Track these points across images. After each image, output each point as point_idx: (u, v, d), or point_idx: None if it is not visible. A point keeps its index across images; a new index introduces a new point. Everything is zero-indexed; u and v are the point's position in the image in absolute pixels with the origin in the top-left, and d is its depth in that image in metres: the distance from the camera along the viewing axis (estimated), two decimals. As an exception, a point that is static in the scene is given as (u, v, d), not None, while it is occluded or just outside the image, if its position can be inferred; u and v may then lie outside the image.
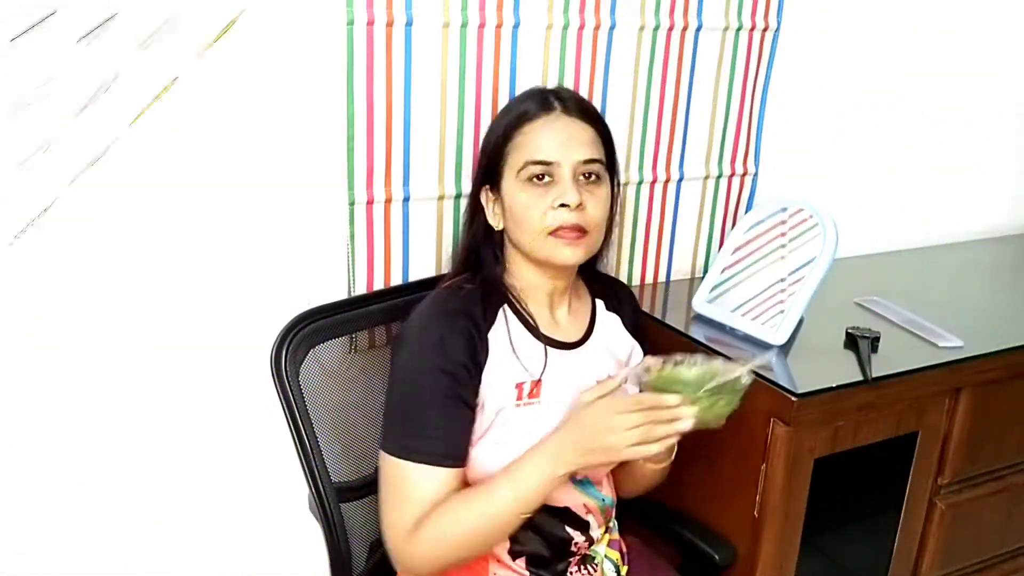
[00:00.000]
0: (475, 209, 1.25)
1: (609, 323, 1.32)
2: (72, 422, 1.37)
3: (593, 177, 1.18)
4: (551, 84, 1.37)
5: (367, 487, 1.34)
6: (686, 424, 1.06)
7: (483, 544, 1.15)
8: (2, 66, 1.18)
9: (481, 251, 1.24)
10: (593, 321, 1.30)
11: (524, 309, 1.23)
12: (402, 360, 1.18)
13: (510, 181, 1.18)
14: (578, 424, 1.10)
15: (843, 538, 1.61)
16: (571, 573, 1.26)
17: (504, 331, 1.20)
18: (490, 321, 1.20)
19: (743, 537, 1.38)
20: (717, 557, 1.35)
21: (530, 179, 1.16)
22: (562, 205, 1.14)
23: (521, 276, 1.24)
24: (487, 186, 1.22)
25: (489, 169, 1.21)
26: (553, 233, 1.16)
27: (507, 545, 1.21)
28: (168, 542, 1.49)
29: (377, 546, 1.38)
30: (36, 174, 1.24)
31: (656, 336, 1.45)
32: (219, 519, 1.52)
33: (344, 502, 1.27)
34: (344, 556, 1.25)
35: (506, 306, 1.22)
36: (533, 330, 1.22)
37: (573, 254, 1.18)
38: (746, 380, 1.10)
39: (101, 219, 1.29)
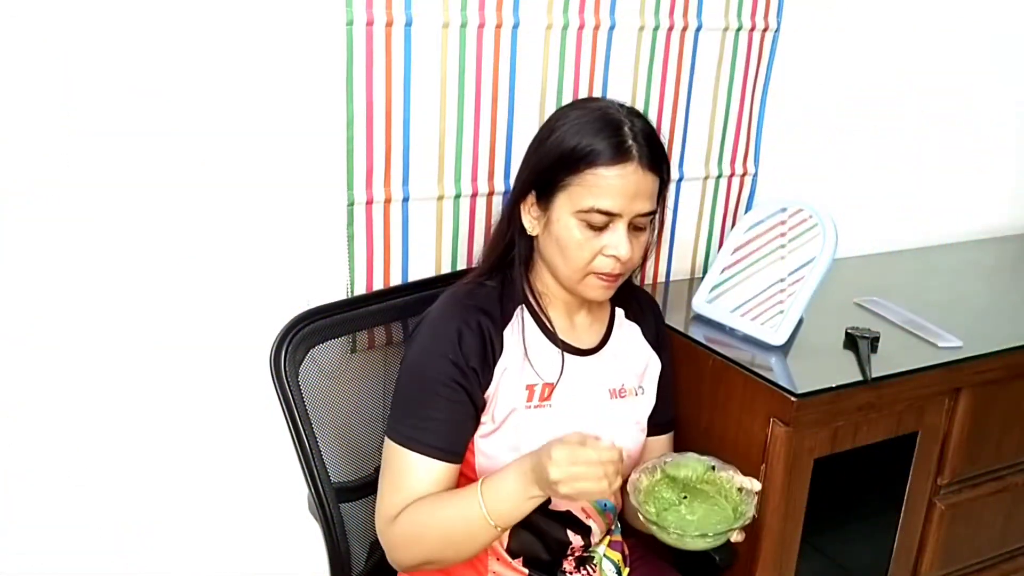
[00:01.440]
0: (515, 210, 1.22)
1: (627, 331, 1.32)
2: (72, 422, 1.37)
3: (643, 224, 1.18)
4: (618, 99, 1.25)
5: (366, 487, 1.34)
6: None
7: (455, 548, 1.12)
8: (3, 65, 1.18)
9: (513, 251, 1.23)
10: (610, 328, 1.30)
11: (543, 312, 1.23)
12: (414, 349, 1.19)
13: (565, 209, 1.15)
14: (543, 457, 1.05)
15: (843, 538, 1.61)
16: (568, 573, 1.26)
17: (519, 332, 1.20)
18: (506, 320, 1.20)
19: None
20: (717, 558, 1.35)
21: (592, 224, 1.14)
22: (613, 256, 1.15)
23: (544, 282, 1.24)
24: (533, 192, 1.19)
25: (542, 181, 1.17)
26: (593, 273, 1.17)
27: (505, 542, 1.22)
28: (168, 542, 1.49)
29: (377, 546, 1.38)
30: (36, 173, 1.24)
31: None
32: (219, 519, 1.52)
33: (344, 502, 1.27)
34: (343, 556, 1.25)
35: (524, 307, 1.22)
36: (550, 334, 1.23)
37: (605, 294, 1.20)
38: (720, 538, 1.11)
39: (101, 219, 1.29)
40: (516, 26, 1.45)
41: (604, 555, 1.29)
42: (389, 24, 1.35)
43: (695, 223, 1.78)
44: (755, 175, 1.82)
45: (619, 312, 1.32)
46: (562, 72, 1.52)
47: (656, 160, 1.16)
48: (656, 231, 1.26)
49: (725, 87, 1.71)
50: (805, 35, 1.79)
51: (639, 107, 1.61)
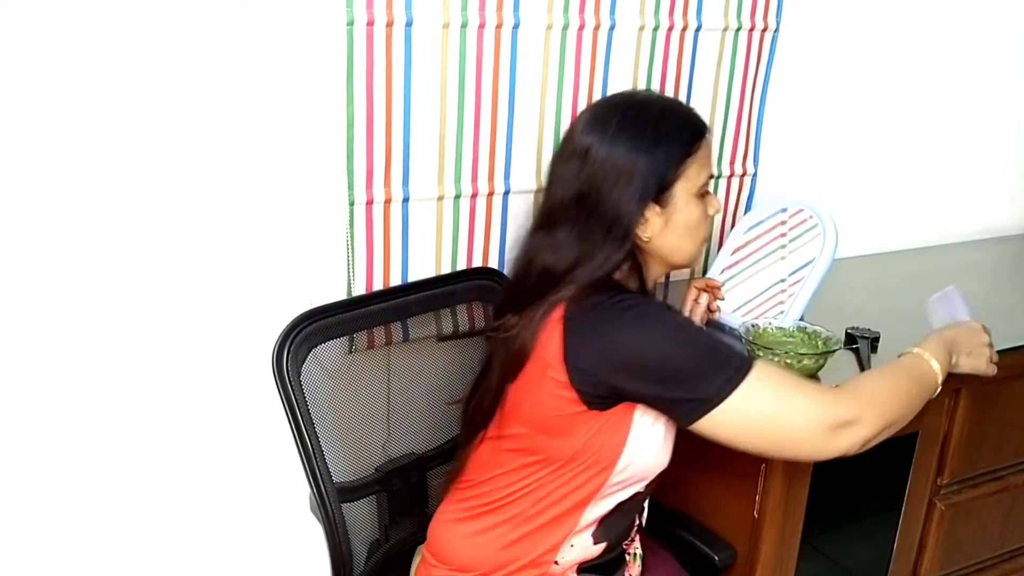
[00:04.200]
0: (629, 233, 1.18)
1: None
2: (73, 423, 1.37)
3: None
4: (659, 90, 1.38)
5: (368, 487, 1.34)
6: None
7: (916, 401, 1.21)
8: (4, 65, 1.18)
9: (636, 262, 1.22)
10: None
11: None
12: (664, 333, 1.13)
13: (686, 195, 1.19)
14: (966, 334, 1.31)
15: (843, 538, 1.61)
16: (626, 552, 1.30)
17: None
18: None
19: (743, 538, 1.38)
20: (717, 558, 1.35)
21: (703, 194, 1.21)
22: (714, 213, 1.24)
23: (650, 278, 1.26)
24: (651, 202, 1.18)
25: (661, 181, 1.17)
26: (705, 239, 1.25)
27: (594, 528, 1.23)
28: (169, 542, 1.49)
29: (378, 546, 1.38)
30: (36, 174, 1.24)
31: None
32: (220, 519, 1.52)
33: (345, 502, 1.27)
34: (345, 556, 1.25)
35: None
36: None
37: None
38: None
39: (101, 219, 1.29)
40: (516, 26, 1.45)
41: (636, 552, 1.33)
42: (389, 24, 1.35)
43: (695, 223, 1.78)
44: (755, 175, 1.82)
45: None
46: (562, 72, 1.52)
47: None
48: None
49: (725, 87, 1.71)
50: (805, 35, 1.79)
51: (639, 107, 1.62)
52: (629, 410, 1.16)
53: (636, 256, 1.20)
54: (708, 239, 1.27)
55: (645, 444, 1.18)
